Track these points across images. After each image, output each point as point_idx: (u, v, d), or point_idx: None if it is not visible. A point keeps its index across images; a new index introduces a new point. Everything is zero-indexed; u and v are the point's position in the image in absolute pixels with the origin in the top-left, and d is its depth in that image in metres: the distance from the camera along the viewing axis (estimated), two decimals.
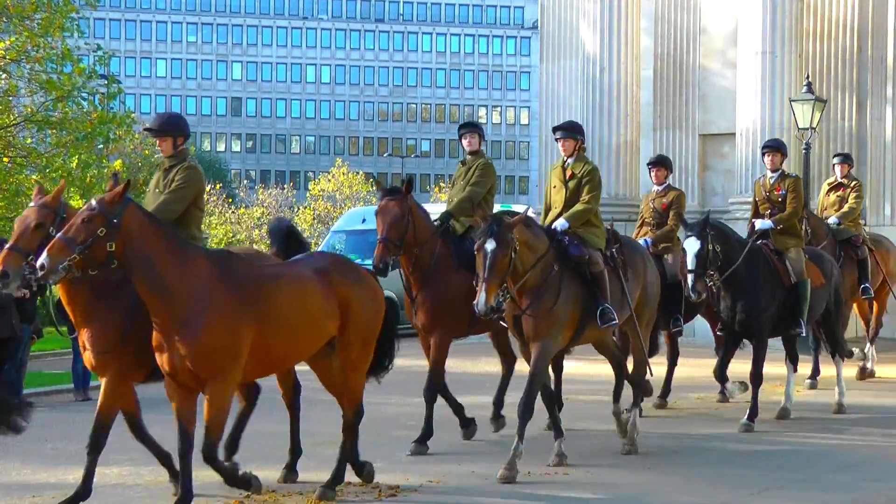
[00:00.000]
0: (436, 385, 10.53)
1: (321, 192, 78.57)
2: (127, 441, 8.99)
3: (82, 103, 26.21)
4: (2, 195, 25.70)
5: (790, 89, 21.99)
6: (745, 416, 11.50)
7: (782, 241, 12.12)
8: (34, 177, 27.01)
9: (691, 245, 11.29)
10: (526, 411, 9.20)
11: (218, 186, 72.91)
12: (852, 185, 15.92)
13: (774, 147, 12.75)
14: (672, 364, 13.63)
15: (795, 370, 12.73)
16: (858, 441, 11.17)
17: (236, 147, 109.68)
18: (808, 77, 21.66)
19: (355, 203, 70.72)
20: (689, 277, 11.27)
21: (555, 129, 10.69)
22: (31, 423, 8.16)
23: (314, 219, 74.07)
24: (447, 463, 9.73)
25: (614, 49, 24.03)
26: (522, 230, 9.22)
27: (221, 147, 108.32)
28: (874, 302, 16.23)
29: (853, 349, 14.97)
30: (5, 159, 25.62)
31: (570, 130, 10.60)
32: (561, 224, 10.00)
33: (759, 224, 12.22)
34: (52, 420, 8.20)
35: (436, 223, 10.73)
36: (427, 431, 10.38)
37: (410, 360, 10.68)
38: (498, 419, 11.45)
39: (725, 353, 12.03)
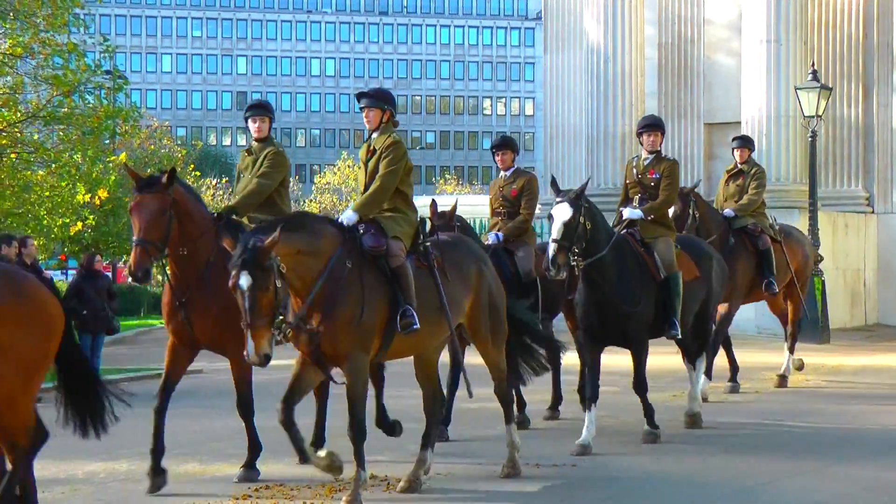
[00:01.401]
0: (248, 402, 9.07)
1: (327, 186, 78.56)
2: (136, 435, 9.00)
3: (88, 98, 26.21)
4: (10, 191, 25.71)
5: (795, 77, 21.96)
6: (646, 424, 10.38)
7: (650, 230, 10.69)
8: (41, 172, 27.03)
9: (561, 212, 9.73)
10: (359, 435, 7.95)
11: (224, 181, 72.97)
12: (753, 172, 14.15)
13: (654, 125, 11.17)
14: (556, 373, 11.73)
15: (712, 373, 11.60)
16: (870, 429, 11.15)
17: (242, 141, 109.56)
18: (813, 65, 21.61)
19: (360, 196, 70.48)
20: (551, 247, 9.64)
21: (359, 97, 8.92)
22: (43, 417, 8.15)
23: (320, 212, 74.07)
24: (455, 456, 9.73)
25: (618, 39, 24.00)
26: (289, 242, 7.52)
27: (227, 141, 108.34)
28: (788, 302, 14.65)
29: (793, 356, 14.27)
30: (13, 155, 25.63)
31: (376, 98, 8.82)
32: (347, 217, 8.28)
33: (628, 212, 10.82)
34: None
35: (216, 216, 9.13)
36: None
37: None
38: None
39: (592, 361, 10.30)
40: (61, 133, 26.07)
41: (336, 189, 77.53)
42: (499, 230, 11.40)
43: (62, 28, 24.53)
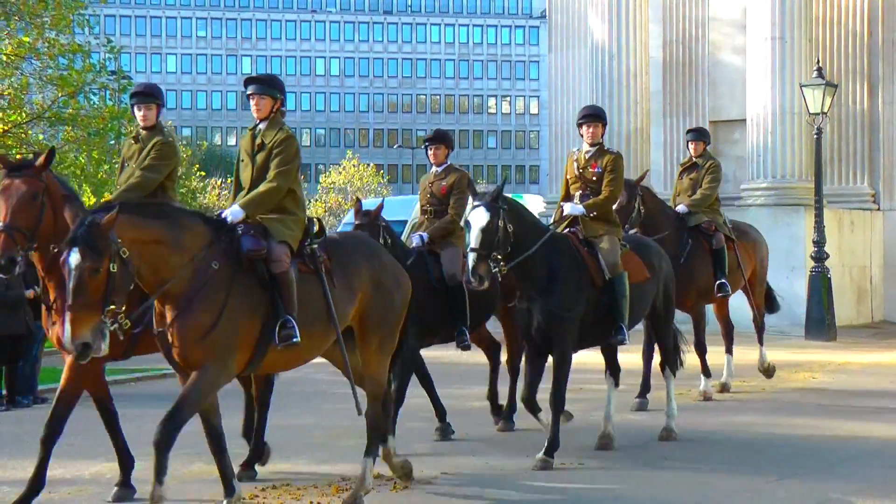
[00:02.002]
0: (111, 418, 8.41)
1: (332, 185, 78.61)
2: (141, 436, 9.00)
3: (93, 99, 26.26)
4: None
5: (801, 74, 21.93)
6: (543, 451, 9.15)
7: (593, 227, 9.80)
8: None
9: (477, 217, 8.89)
10: (160, 445, 6.96)
11: (229, 180, 73.00)
12: (707, 166, 13.32)
13: (594, 115, 10.35)
14: (492, 374, 11.25)
15: (617, 384, 10.54)
16: (876, 429, 11.13)
17: None
18: (818, 62, 21.59)
19: (366, 195, 70.68)
20: (471, 257, 8.82)
21: (247, 82, 8.20)
22: (44, 419, 8.17)
23: (325, 212, 74.13)
24: (462, 455, 9.73)
25: (622, 37, 23.98)
26: (142, 228, 6.90)
27: (232, 141, 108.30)
28: (752, 304, 13.90)
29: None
30: (17, 156, 25.67)
31: (268, 85, 8.11)
32: (233, 212, 7.59)
33: (569, 208, 9.97)
34: (71, 417, 8.20)
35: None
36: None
37: (425, 352, 10.65)
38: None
39: (531, 371, 9.52)
40: (67, 134, 26.11)
41: (341, 188, 77.55)
42: (424, 230, 10.60)
43: (67, 29, 24.58)
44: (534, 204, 30.27)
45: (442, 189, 10.69)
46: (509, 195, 9.58)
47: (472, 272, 8.81)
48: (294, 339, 7.33)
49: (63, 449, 8.53)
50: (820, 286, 20.39)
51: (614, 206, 10.36)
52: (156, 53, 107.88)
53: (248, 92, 8.08)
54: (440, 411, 10.68)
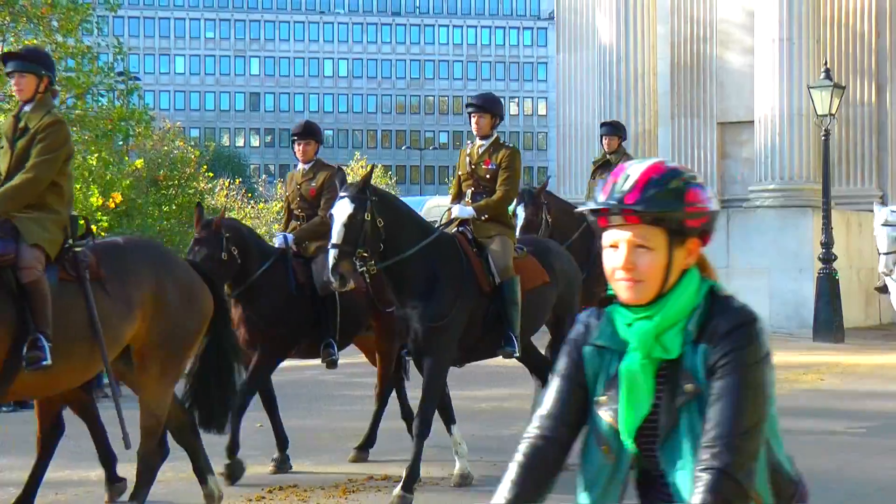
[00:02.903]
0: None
1: None
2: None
3: (101, 100, 26.31)
4: None
5: (808, 76, 21.90)
6: (401, 485, 8.02)
7: (483, 228, 8.74)
8: None
9: (340, 210, 7.98)
10: None
11: (237, 181, 73.04)
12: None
13: (481, 106, 9.09)
14: (379, 412, 9.79)
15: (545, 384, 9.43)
16: (885, 431, 11.11)
17: (255, 142, 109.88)
18: (826, 63, 21.56)
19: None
20: (331, 254, 7.90)
21: (5, 59, 7.15)
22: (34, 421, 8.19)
23: None
24: (469, 456, 9.70)
25: (630, 38, 23.97)
26: None
27: (241, 142, 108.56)
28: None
29: None
30: None
31: (30, 61, 7.00)
32: None
33: (457, 210, 8.95)
34: (74, 417, 8.21)
35: None
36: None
37: None
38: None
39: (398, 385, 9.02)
40: (75, 135, 26.16)
41: None
42: (291, 231, 9.54)
43: (74, 32, 24.64)
44: None
45: (311, 191, 9.54)
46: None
47: (332, 270, 7.84)
48: (43, 362, 6.27)
49: (69, 450, 8.54)
50: (828, 288, 20.34)
51: (520, 223, 9.90)
52: (164, 54, 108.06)
53: (7, 71, 6.92)
54: (282, 441, 9.33)
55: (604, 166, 12.05)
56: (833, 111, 20.70)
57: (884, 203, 14.77)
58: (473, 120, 9.14)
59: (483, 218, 8.83)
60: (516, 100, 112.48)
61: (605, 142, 12.30)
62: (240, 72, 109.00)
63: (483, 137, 9.14)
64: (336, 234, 7.91)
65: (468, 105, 9.29)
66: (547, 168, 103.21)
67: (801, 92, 21.91)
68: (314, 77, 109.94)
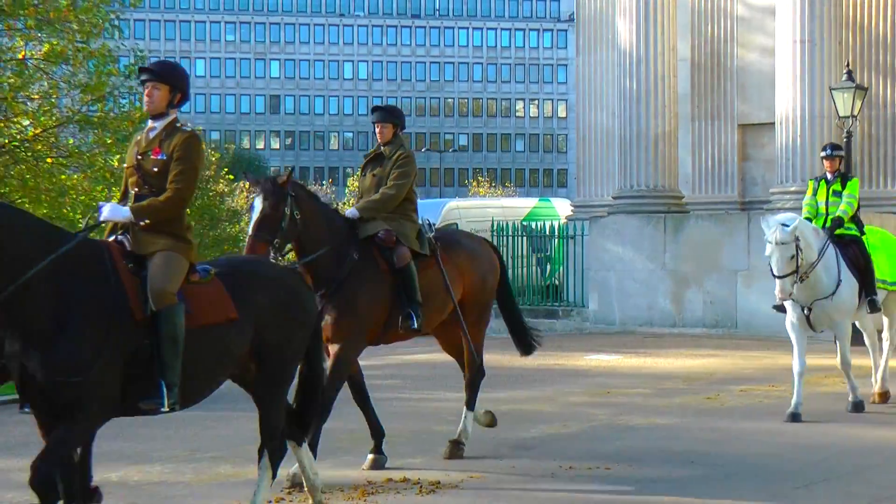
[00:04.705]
0: None
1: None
2: (170, 440, 9.03)
3: (122, 102, 26.42)
4: (45, 196, 25.89)
5: (830, 77, 21.79)
6: None
7: (144, 241, 6.80)
8: (76, 176, 27.21)
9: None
10: None
11: None
12: (395, 157, 9.65)
13: (158, 73, 7.09)
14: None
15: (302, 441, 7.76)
16: None
17: (275, 144, 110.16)
18: (847, 65, 21.45)
19: None
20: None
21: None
22: None
23: None
24: (488, 458, 9.71)
25: (650, 40, 23.89)
26: None
27: (261, 145, 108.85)
28: (466, 341, 10.02)
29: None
30: (49, 160, 25.83)
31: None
32: None
33: (108, 211, 6.97)
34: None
35: None
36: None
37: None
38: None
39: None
40: (96, 137, 26.26)
41: None
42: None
43: (96, 35, 24.74)
44: (562, 208, 30.26)
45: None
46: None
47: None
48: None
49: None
50: None
51: (254, 216, 8.37)
52: (185, 57, 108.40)
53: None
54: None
55: (375, 161, 9.78)
56: (855, 113, 20.59)
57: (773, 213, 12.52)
58: (145, 91, 7.14)
59: (142, 223, 6.83)
60: (536, 102, 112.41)
61: (377, 130, 9.81)
62: (260, 74, 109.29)
63: (156, 117, 7.08)
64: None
65: (141, 71, 7.26)
66: (567, 170, 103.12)
67: (822, 93, 21.80)
68: (334, 79, 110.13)
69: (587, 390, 13.90)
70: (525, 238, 25.84)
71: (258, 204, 8.48)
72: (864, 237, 12.48)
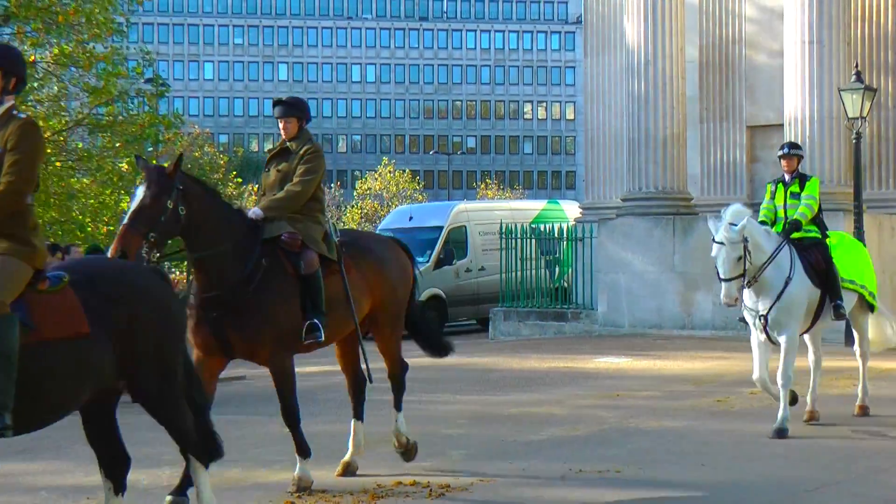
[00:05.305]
0: None
1: (368, 191, 78.86)
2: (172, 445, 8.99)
3: (131, 105, 26.49)
4: (54, 200, 25.97)
5: (839, 78, 21.73)
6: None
7: None
8: (85, 180, 27.27)
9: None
10: None
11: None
12: (302, 152, 8.91)
13: None
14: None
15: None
16: None
17: None
18: (856, 66, 21.40)
19: (402, 201, 70.87)
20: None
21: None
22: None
23: (361, 217, 74.34)
24: (498, 461, 9.69)
25: (658, 41, 23.86)
26: None
27: (269, 147, 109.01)
28: (382, 354, 9.47)
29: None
30: (57, 164, 25.89)
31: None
32: None
33: None
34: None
35: None
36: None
37: (462, 358, 10.63)
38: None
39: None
40: (105, 140, 26.34)
41: (377, 194, 77.72)
42: None
43: (104, 38, 24.83)
44: (570, 210, 30.25)
45: None
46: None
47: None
48: None
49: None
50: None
51: (133, 205, 7.77)
52: (193, 61, 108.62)
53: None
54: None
55: (280, 155, 9.07)
56: (864, 114, 20.54)
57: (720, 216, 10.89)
58: None
59: None
60: (544, 104, 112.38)
61: (280, 126, 9.11)
62: (268, 77, 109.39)
63: None
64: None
65: None
66: (575, 172, 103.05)
67: (831, 94, 21.74)
68: (342, 82, 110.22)
69: (597, 393, 13.88)
70: (534, 240, 25.84)
71: (139, 192, 7.79)
72: (827, 240, 11.59)
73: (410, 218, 29.09)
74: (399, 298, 9.37)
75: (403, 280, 9.46)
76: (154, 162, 25.57)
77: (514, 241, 25.60)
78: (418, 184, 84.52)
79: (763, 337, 10.92)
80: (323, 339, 8.51)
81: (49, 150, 25.00)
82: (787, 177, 11.68)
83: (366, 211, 75.28)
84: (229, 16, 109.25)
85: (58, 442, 10.15)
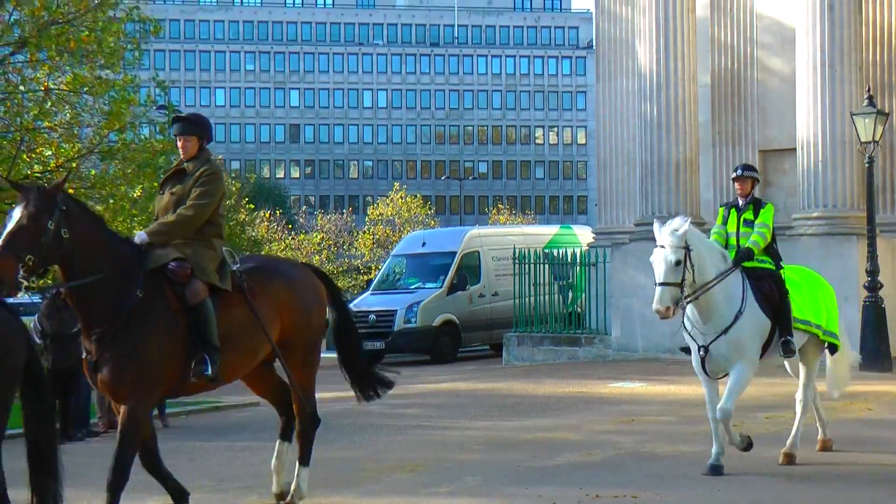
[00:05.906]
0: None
1: (380, 217, 78.92)
2: (192, 471, 8.99)
3: (142, 132, 26.58)
4: None
5: (851, 102, 21.74)
6: None
7: None
8: (98, 208, 27.32)
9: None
10: None
11: (278, 212, 73.67)
12: (199, 174, 8.30)
13: None
14: None
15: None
16: None
17: (295, 173, 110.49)
18: (868, 89, 21.40)
19: (414, 227, 70.89)
20: None
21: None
22: (102, 452, 8.21)
23: (374, 243, 74.39)
24: (514, 487, 9.67)
25: (670, 66, 23.91)
26: None
27: (281, 174, 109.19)
28: (292, 387, 8.71)
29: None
30: (70, 190, 25.96)
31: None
32: None
33: None
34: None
35: None
36: None
37: (477, 384, 10.61)
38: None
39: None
40: (117, 167, 26.41)
41: (389, 220, 77.81)
42: None
43: (116, 66, 24.92)
44: (583, 235, 30.23)
45: None
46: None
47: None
48: None
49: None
50: (874, 316, 20.11)
51: (9, 226, 7.25)
52: (205, 87, 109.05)
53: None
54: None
55: (176, 176, 8.46)
56: (877, 138, 20.52)
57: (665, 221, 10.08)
58: None
59: None
60: (556, 129, 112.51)
61: (178, 144, 8.56)
62: (280, 104, 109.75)
63: None
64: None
65: None
66: (587, 197, 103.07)
67: (843, 118, 21.74)
68: (353, 108, 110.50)
69: (611, 418, 13.84)
70: (547, 265, 25.83)
71: (16, 213, 7.18)
72: (781, 272, 10.70)
73: (423, 243, 29.10)
74: (314, 325, 8.59)
75: (317, 304, 8.69)
76: None
77: (527, 266, 25.60)
78: (430, 209, 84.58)
79: (699, 368, 10.17)
80: (212, 373, 7.75)
81: (60, 177, 25.13)
82: (740, 201, 10.80)
83: (378, 236, 75.35)
84: (241, 42, 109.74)
85: (74, 470, 10.15)
